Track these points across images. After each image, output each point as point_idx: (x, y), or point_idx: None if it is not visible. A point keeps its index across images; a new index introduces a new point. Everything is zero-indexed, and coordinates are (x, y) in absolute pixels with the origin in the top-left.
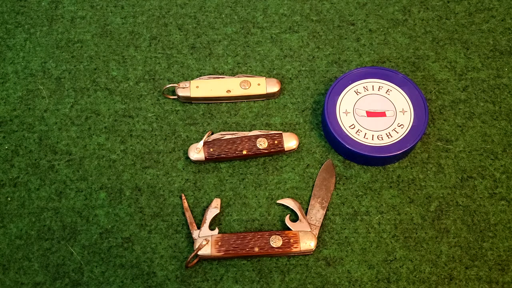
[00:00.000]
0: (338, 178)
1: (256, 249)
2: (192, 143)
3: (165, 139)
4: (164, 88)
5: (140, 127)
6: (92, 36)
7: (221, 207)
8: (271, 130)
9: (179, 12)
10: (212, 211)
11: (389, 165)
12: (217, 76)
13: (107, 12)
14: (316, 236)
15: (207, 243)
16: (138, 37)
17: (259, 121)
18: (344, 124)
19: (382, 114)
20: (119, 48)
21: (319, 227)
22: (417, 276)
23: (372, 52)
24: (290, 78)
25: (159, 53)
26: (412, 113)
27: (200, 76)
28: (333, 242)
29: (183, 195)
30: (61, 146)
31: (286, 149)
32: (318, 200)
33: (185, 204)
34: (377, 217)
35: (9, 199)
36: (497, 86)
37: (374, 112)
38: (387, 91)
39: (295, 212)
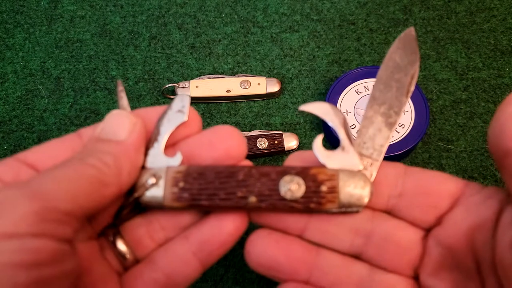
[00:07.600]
0: None
1: (253, 199)
2: None
3: None
4: (164, 87)
5: None
6: (91, 35)
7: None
8: (271, 130)
9: (178, 12)
10: (173, 118)
11: None
12: (217, 75)
13: (106, 12)
14: (372, 181)
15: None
16: (138, 36)
17: (259, 121)
18: None
19: None
20: (118, 47)
21: (379, 162)
22: None
23: (373, 51)
24: (291, 78)
25: (158, 52)
26: (413, 113)
27: (200, 75)
28: None
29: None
30: None
31: (286, 149)
32: (382, 109)
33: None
34: None
35: None
36: (498, 86)
37: None
38: None
39: (333, 131)
